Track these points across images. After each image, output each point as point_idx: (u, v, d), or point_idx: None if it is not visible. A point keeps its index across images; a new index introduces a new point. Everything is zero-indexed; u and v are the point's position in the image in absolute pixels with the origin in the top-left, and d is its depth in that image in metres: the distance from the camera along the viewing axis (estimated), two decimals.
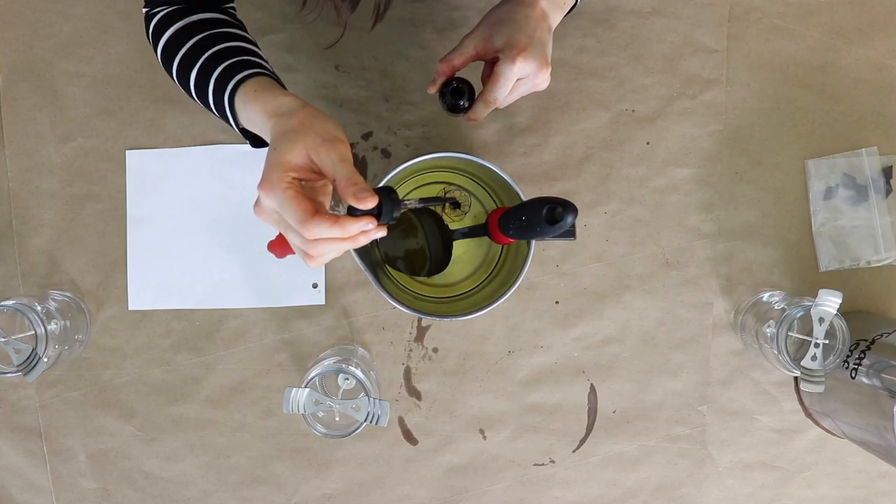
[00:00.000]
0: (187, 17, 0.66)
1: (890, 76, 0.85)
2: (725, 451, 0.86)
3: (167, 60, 0.67)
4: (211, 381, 0.85)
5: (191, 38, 0.65)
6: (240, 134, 0.65)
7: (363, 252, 0.70)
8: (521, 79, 0.65)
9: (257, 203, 0.57)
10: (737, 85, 0.85)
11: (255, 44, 0.68)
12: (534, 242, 0.71)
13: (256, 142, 0.66)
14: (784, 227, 0.86)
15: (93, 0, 0.84)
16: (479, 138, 0.85)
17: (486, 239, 0.79)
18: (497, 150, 0.85)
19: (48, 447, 0.85)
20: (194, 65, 0.64)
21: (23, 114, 0.84)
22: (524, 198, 0.70)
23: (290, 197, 0.54)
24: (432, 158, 0.72)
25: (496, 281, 0.80)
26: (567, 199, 0.64)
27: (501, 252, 0.82)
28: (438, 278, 0.81)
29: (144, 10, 0.69)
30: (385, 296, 0.71)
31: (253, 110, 0.59)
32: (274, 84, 0.61)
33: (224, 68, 0.62)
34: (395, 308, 0.78)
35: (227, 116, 0.64)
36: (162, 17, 0.67)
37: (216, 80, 0.63)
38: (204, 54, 0.64)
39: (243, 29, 0.69)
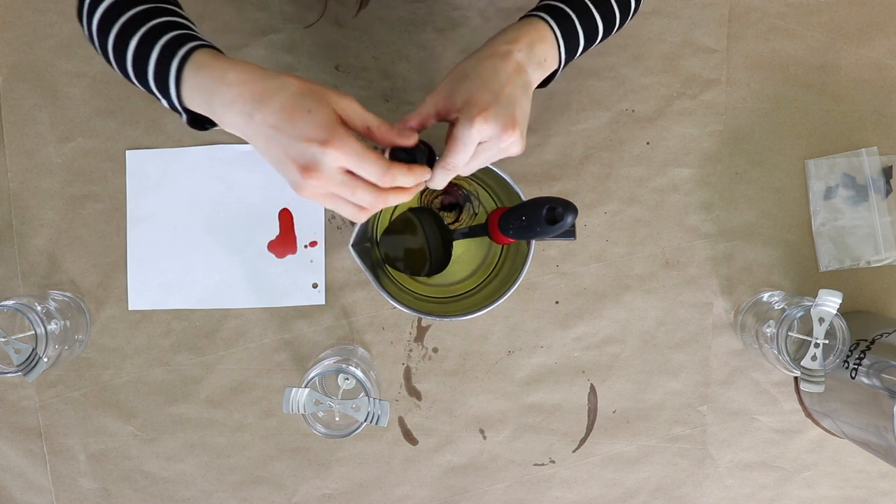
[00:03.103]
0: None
1: (890, 76, 0.85)
2: (725, 451, 0.86)
3: (103, 32, 0.59)
4: (211, 381, 0.85)
5: (132, 8, 0.58)
6: (173, 109, 0.59)
7: (363, 252, 0.70)
8: (482, 142, 0.57)
9: (314, 170, 0.52)
10: (737, 85, 0.85)
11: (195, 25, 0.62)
12: (534, 242, 0.71)
13: (195, 121, 0.60)
14: (784, 227, 0.86)
15: None
16: None
17: (486, 239, 0.79)
18: None
19: (48, 447, 0.85)
20: (135, 33, 0.57)
21: (23, 114, 0.84)
22: (524, 198, 0.70)
23: (364, 148, 0.52)
24: None
25: (496, 281, 0.80)
26: (567, 199, 0.64)
27: (501, 252, 0.82)
28: (438, 278, 0.81)
29: None
30: (385, 296, 0.71)
31: (212, 77, 0.54)
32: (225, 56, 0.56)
33: (174, 36, 0.57)
34: (395, 308, 0.78)
35: (167, 86, 0.57)
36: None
37: (163, 46, 0.56)
38: (148, 23, 0.57)
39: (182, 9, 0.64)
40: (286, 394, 0.70)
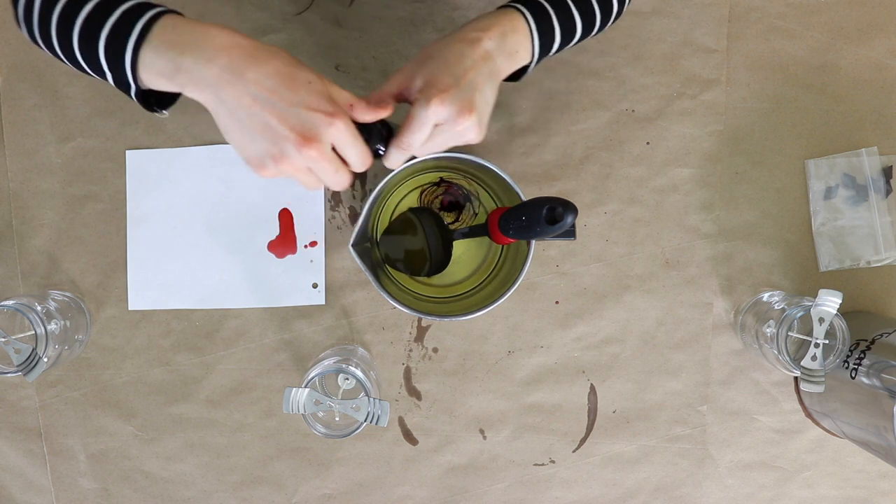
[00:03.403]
0: None
1: (890, 76, 0.85)
2: (725, 451, 0.86)
3: (48, 8, 0.55)
4: (211, 381, 0.85)
5: None
6: (119, 83, 0.55)
7: (363, 252, 0.70)
8: (439, 125, 0.57)
9: (313, 139, 0.50)
10: (737, 85, 0.85)
11: None
12: (534, 242, 0.71)
13: (148, 102, 0.56)
14: (784, 227, 0.86)
15: None
16: None
17: (486, 239, 0.79)
18: (497, 150, 0.85)
19: (48, 447, 0.85)
20: (82, 7, 0.53)
21: (23, 114, 0.84)
22: (524, 198, 0.70)
23: (356, 130, 0.53)
24: (432, 158, 0.72)
25: (496, 281, 0.80)
26: (567, 199, 0.64)
27: (501, 252, 0.82)
28: (438, 278, 0.81)
29: None
30: (385, 296, 0.71)
31: (192, 33, 0.51)
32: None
33: (139, 2, 0.53)
34: (395, 308, 0.78)
35: (123, 48, 0.52)
36: None
37: (127, 9, 0.53)
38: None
39: None
40: (286, 394, 0.70)
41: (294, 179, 0.54)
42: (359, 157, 0.54)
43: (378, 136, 0.59)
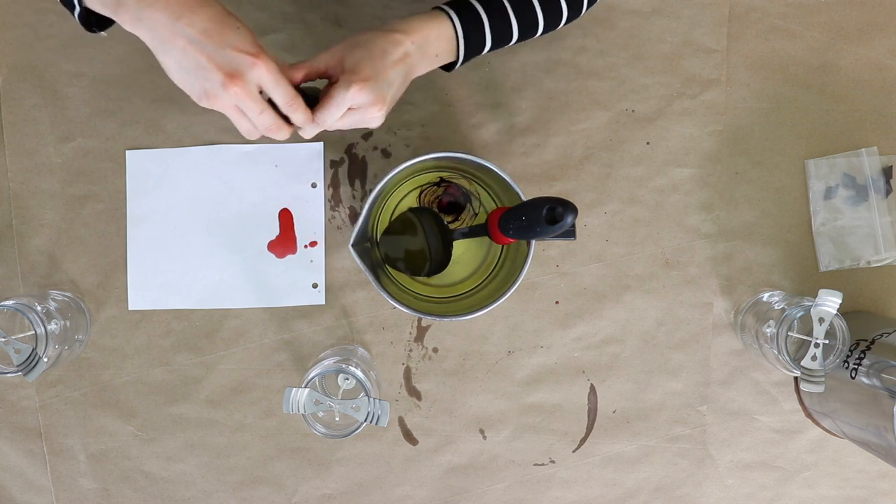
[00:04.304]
0: None
1: (890, 76, 0.85)
2: (725, 451, 0.86)
3: None
4: (211, 381, 0.85)
5: None
6: (70, 7, 0.59)
7: (363, 252, 0.70)
8: (353, 108, 0.62)
9: (238, 77, 0.55)
10: (737, 85, 0.85)
11: None
12: (534, 242, 0.71)
13: (88, 21, 0.59)
14: (784, 227, 0.86)
15: None
16: (479, 138, 0.85)
17: (486, 239, 0.79)
18: (497, 150, 0.85)
19: (48, 447, 0.85)
20: None
21: (23, 114, 0.84)
22: (524, 198, 0.70)
23: (282, 73, 0.57)
24: (432, 158, 0.72)
25: (496, 281, 0.80)
26: (567, 199, 0.64)
27: (501, 252, 0.82)
28: (438, 278, 0.81)
29: None
30: (385, 296, 0.71)
31: None
32: None
33: None
34: (395, 308, 0.78)
35: None
36: None
37: None
38: None
39: None
40: (286, 394, 0.70)
41: (232, 121, 0.59)
42: (284, 97, 0.58)
43: (309, 102, 0.63)
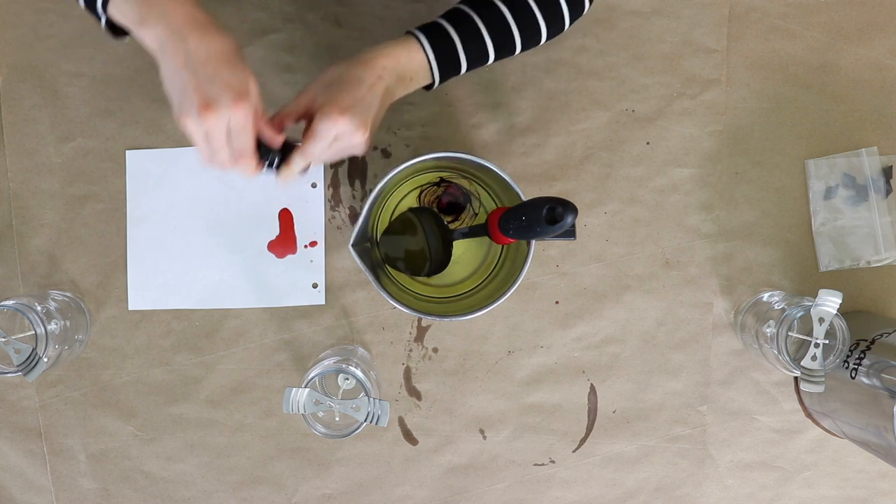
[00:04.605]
0: None
1: (890, 76, 0.85)
2: (725, 451, 0.86)
3: None
4: (211, 381, 0.85)
5: None
6: (89, 9, 0.61)
7: (363, 252, 0.70)
8: (337, 138, 0.64)
9: (213, 108, 0.57)
10: (737, 85, 0.85)
11: None
12: (534, 242, 0.71)
13: (114, 29, 0.62)
14: (784, 227, 0.86)
15: None
16: (479, 138, 0.85)
17: (486, 239, 0.79)
18: (497, 150, 0.85)
19: (48, 447, 0.85)
20: None
21: (23, 114, 0.84)
22: (524, 198, 0.70)
23: (251, 125, 0.60)
24: (432, 158, 0.72)
25: (496, 281, 0.80)
26: (567, 199, 0.64)
27: (501, 252, 0.82)
28: (438, 278, 0.81)
29: None
30: (385, 296, 0.71)
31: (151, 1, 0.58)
32: None
33: None
34: (395, 308, 0.78)
35: None
36: None
37: None
38: None
39: None
40: (286, 394, 0.70)
41: (196, 146, 0.61)
42: (240, 146, 0.60)
43: (267, 151, 0.64)
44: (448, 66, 0.68)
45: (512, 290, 0.72)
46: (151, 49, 0.59)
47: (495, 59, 0.71)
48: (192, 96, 0.57)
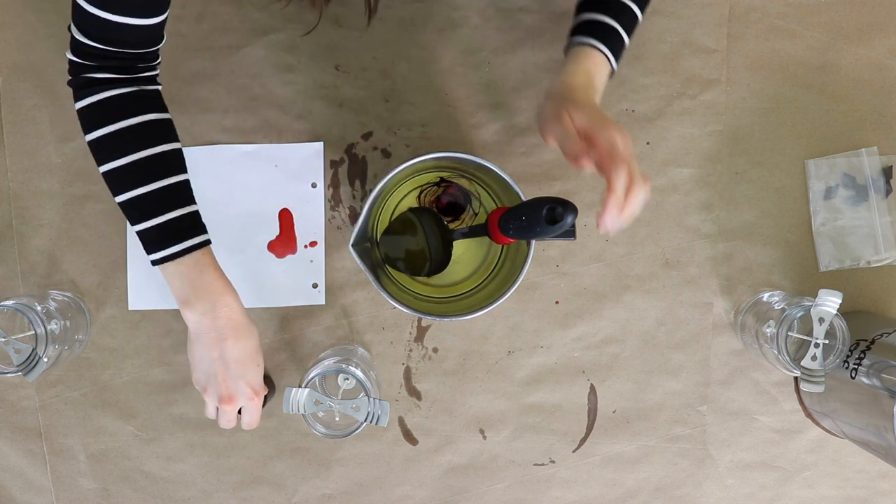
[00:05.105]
0: (137, 114, 0.67)
1: (890, 76, 0.85)
2: (725, 451, 0.86)
3: (106, 152, 0.68)
4: None
5: (149, 146, 0.67)
6: (140, 239, 0.68)
7: (363, 252, 0.70)
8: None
9: (233, 400, 0.70)
10: (737, 85, 0.85)
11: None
12: (534, 242, 0.71)
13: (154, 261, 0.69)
14: (784, 227, 0.86)
15: None
16: (479, 138, 0.85)
17: (486, 239, 0.79)
18: (497, 150, 0.85)
19: (48, 447, 0.85)
20: (147, 182, 0.67)
21: (23, 114, 0.84)
22: (524, 198, 0.70)
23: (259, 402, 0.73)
24: (432, 158, 0.72)
25: (496, 281, 0.80)
26: (567, 199, 0.64)
27: (501, 252, 0.82)
28: (438, 278, 0.81)
29: (76, 61, 0.68)
30: (385, 296, 0.71)
31: (208, 286, 0.67)
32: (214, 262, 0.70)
33: (187, 214, 0.68)
34: (395, 308, 0.78)
35: (154, 248, 0.67)
36: (111, 99, 0.67)
37: (174, 220, 0.67)
38: (165, 178, 0.67)
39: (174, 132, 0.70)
40: (286, 394, 0.70)
41: (206, 408, 0.72)
42: (249, 419, 0.72)
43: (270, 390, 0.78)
44: (620, 57, 0.70)
45: (512, 290, 0.72)
46: (189, 327, 0.68)
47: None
48: (218, 387, 0.68)
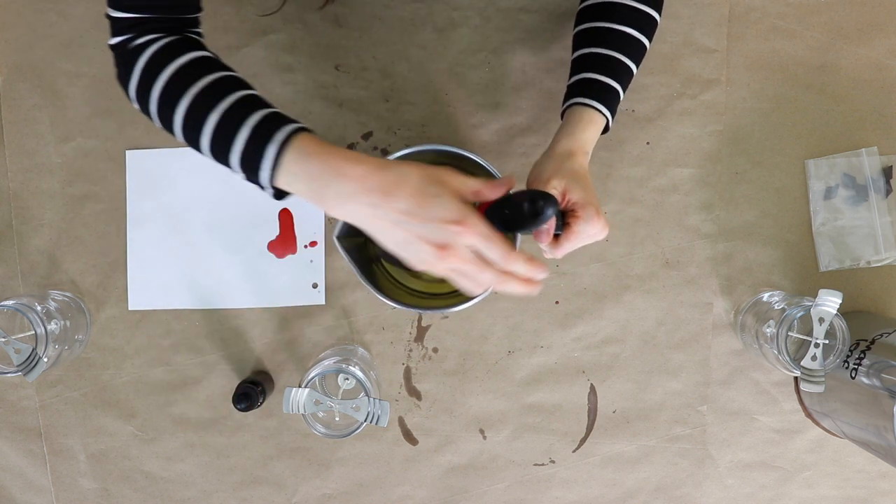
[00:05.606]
0: (183, 54, 0.61)
1: (890, 76, 0.85)
2: (725, 451, 0.86)
3: (168, 104, 0.61)
4: (211, 381, 0.85)
5: (202, 77, 0.60)
6: (253, 182, 0.60)
7: (350, 245, 0.69)
8: (592, 236, 0.67)
9: (449, 249, 0.55)
10: (737, 85, 0.85)
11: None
12: (519, 235, 0.71)
13: (280, 195, 0.61)
14: (784, 227, 0.86)
15: (93, 0, 0.84)
16: (478, 138, 0.85)
17: None
18: (497, 150, 0.85)
19: (48, 447, 0.85)
20: (214, 108, 0.59)
21: (23, 114, 0.84)
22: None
23: (491, 230, 0.56)
24: (428, 150, 0.71)
25: None
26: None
27: None
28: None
29: (117, 41, 0.63)
30: (369, 287, 0.69)
31: (324, 168, 0.56)
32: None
33: (265, 116, 0.58)
34: (394, 308, 0.78)
35: (258, 168, 0.58)
36: (155, 53, 0.61)
37: (255, 127, 0.58)
38: (227, 97, 0.59)
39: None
40: (286, 394, 0.70)
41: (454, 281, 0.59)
42: (498, 254, 0.56)
43: (528, 213, 0.61)
44: (616, 111, 0.73)
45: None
46: (350, 221, 0.57)
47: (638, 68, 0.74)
48: (422, 247, 0.55)
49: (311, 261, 0.85)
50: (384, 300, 0.71)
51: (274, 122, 0.58)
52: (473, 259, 0.56)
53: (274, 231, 0.85)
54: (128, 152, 0.84)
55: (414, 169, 0.56)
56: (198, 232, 0.85)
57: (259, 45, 0.84)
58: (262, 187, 0.59)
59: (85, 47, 0.84)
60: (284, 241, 0.85)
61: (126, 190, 0.84)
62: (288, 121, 0.58)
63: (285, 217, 0.85)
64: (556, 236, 0.67)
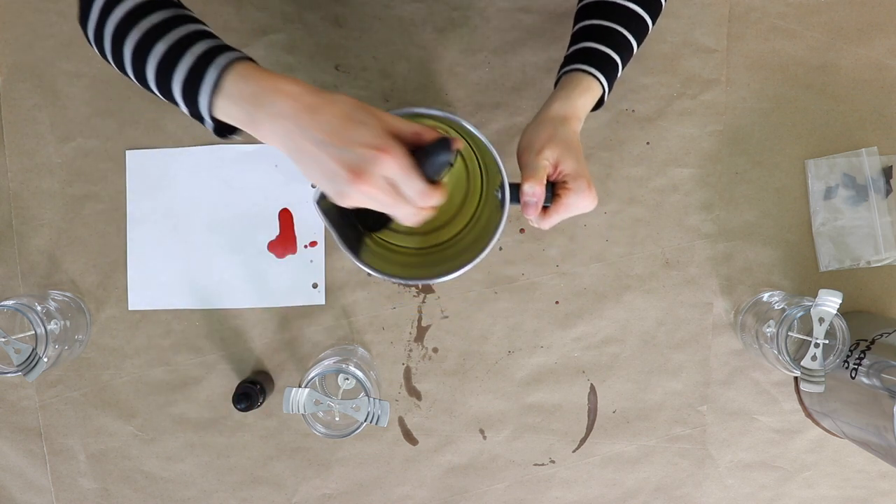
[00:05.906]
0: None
1: (890, 76, 0.85)
2: (725, 451, 0.86)
3: (121, 33, 0.60)
4: (211, 381, 0.85)
5: (155, 11, 0.59)
6: (194, 116, 0.60)
7: (328, 208, 0.65)
8: (582, 208, 0.66)
9: (363, 174, 0.54)
10: (737, 85, 0.85)
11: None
12: (507, 205, 0.68)
13: (221, 130, 0.61)
14: (784, 227, 0.86)
15: None
16: None
17: (462, 184, 0.77)
18: (497, 149, 0.84)
19: (48, 447, 0.85)
20: (162, 37, 0.58)
21: (23, 114, 0.84)
22: (499, 160, 0.67)
23: (412, 165, 0.55)
24: (416, 112, 0.66)
25: (475, 230, 0.75)
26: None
27: (480, 199, 0.77)
28: (420, 227, 0.75)
29: None
30: (348, 253, 0.62)
31: (261, 86, 0.55)
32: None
33: (212, 46, 0.58)
34: (394, 309, 0.78)
35: (197, 93, 0.57)
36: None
37: (201, 55, 0.57)
38: (177, 28, 0.58)
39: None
40: (286, 394, 0.70)
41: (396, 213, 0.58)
42: (414, 191, 0.56)
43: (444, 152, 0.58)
44: (612, 80, 0.71)
45: (495, 239, 0.66)
46: (279, 147, 0.57)
47: (639, 47, 0.73)
48: (338, 173, 0.54)
49: (311, 261, 0.85)
50: (363, 267, 0.66)
51: (219, 50, 0.57)
52: (389, 190, 0.55)
53: (274, 231, 0.85)
54: (128, 152, 0.84)
55: (350, 98, 0.56)
56: (198, 232, 0.85)
57: (259, 45, 0.84)
58: (202, 120, 0.59)
59: (85, 47, 0.83)
60: (284, 241, 0.85)
61: (126, 190, 0.84)
62: (233, 50, 0.58)
63: (285, 217, 0.85)
64: (546, 208, 0.66)
